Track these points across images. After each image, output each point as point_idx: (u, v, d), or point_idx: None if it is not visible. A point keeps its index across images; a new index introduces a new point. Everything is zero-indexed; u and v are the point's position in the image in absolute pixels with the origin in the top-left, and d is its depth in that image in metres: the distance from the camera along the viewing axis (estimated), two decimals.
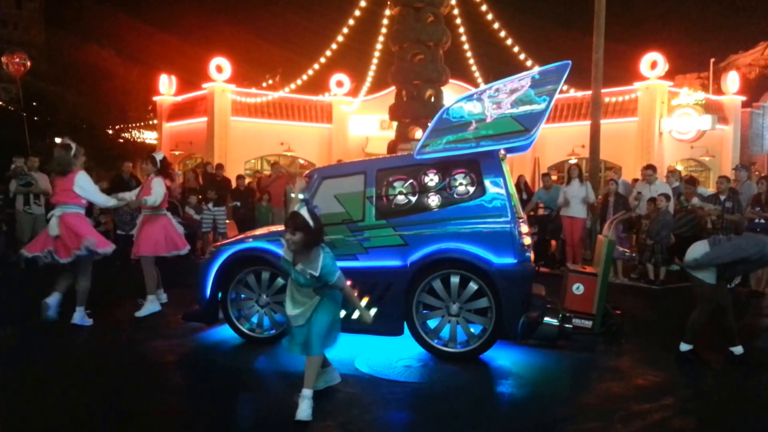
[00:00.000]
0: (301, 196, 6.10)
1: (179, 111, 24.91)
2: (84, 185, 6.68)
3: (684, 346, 5.66)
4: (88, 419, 4.27)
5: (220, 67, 22.17)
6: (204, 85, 22.84)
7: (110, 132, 27.66)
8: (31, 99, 23.30)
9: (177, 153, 25.11)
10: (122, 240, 11.15)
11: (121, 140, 28.24)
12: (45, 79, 23.60)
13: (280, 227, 6.44)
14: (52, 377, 5.07)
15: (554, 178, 14.44)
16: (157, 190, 7.20)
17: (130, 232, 11.14)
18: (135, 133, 29.19)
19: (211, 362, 5.60)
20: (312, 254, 4.21)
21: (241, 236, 6.73)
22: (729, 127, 23.44)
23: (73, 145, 6.83)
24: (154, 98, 26.18)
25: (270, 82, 27.36)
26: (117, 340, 6.19)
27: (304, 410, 4.16)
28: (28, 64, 14.88)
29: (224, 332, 6.26)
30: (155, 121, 27.04)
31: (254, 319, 6.13)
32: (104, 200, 7.06)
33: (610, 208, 10.25)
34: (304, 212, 4.17)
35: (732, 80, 23.83)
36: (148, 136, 29.59)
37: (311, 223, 4.16)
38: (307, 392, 4.24)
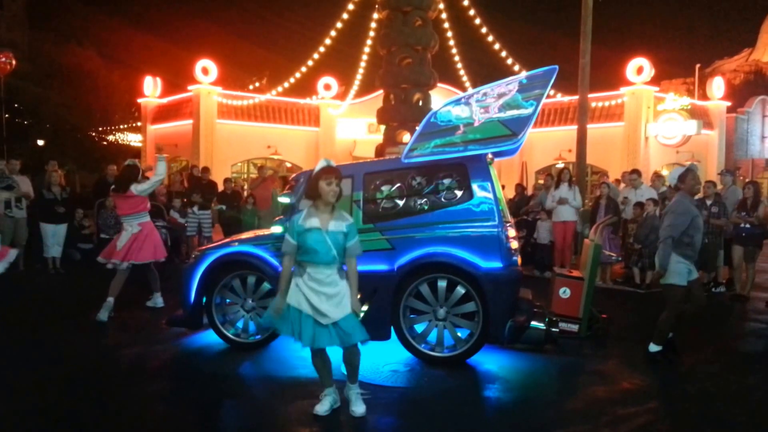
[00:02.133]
0: (287, 200, 6.08)
1: (164, 113, 24.75)
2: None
3: (653, 347, 5.73)
4: (69, 425, 4.19)
5: (206, 69, 22.05)
6: (190, 87, 22.71)
7: (94, 134, 27.38)
8: (12, 100, 23.04)
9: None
10: (105, 243, 11.01)
11: (105, 143, 27.97)
12: (28, 80, 23.33)
13: (267, 231, 6.41)
14: (32, 382, 4.97)
15: (541, 181, 14.49)
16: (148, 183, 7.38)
17: (114, 235, 11.06)
18: (119, 136, 28.93)
19: (195, 368, 5.53)
20: (335, 211, 4.23)
21: (227, 240, 6.67)
22: (714, 132, 23.69)
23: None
24: (139, 100, 25.99)
25: (257, 84, 27.31)
26: (100, 346, 6.09)
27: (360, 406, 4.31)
28: (14, 63, 14.72)
29: (209, 337, 6.18)
30: (139, 124, 26.84)
31: (239, 324, 6.06)
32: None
33: (601, 211, 10.27)
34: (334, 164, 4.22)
35: (717, 86, 24.11)
36: (133, 139, 29.35)
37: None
38: (354, 387, 4.36)
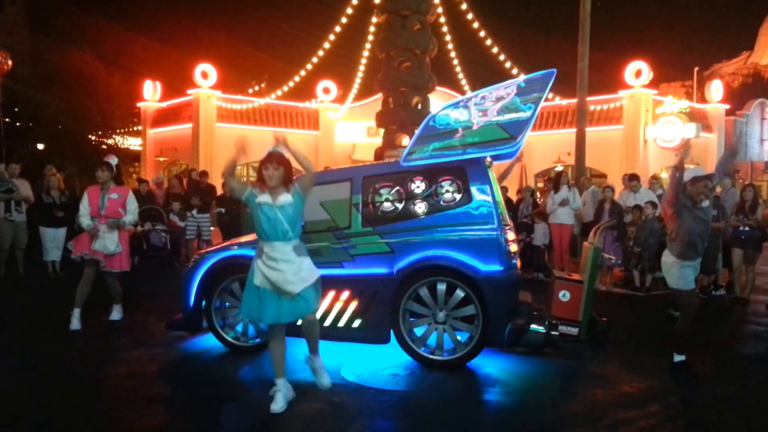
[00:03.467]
0: None
1: (164, 117, 24.78)
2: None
3: (677, 357, 5.53)
4: (67, 429, 4.18)
5: (205, 73, 22.09)
6: (189, 91, 22.74)
7: (93, 138, 27.38)
8: (12, 104, 23.05)
9: (162, 159, 24.94)
10: None
11: (105, 147, 27.97)
12: (27, 83, 23.34)
13: None
14: (32, 386, 4.97)
15: (540, 185, 14.50)
16: (133, 206, 7.14)
17: None
18: (118, 140, 28.94)
19: (194, 372, 5.52)
20: (283, 190, 4.38)
21: (226, 243, 6.67)
22: (713, 135, 23.72)
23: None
24: (139, 104, 26.01)
25: (256, 88, 27.35)
26: (99, 349, 6.08)
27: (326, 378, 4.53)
28: (10, 63, 14.71)
29: (208, 341, 6.17)
30: (139, 128, 26.86)
31: (239, 328, 6.05)
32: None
33: (604, 215, 10.26)
34: (282, 150, 4.38)
35: (716, 89, 24.14)
36: (132, 143, 29.37)
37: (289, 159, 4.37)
38: (318, 359, 4.52)
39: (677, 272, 5.60)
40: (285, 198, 4.34)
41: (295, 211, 4.37)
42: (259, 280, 4.31)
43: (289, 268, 4.27)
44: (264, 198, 4.35)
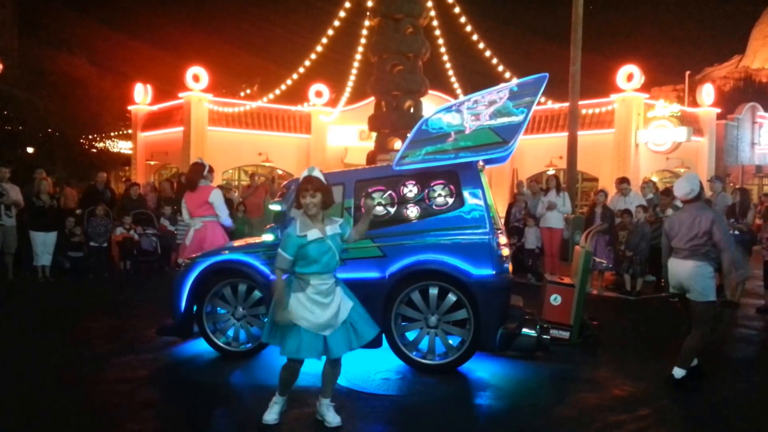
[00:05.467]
0: (278, 207, 6.06)
1: (155, 120, 24.67)
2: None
3: (678, 372, 5.23)
4: None
5: (197, 76, 22.00)
6: (180, 95, 22.64)
7: (83, 141, 27.21)
8: (1, 107, 22.89)
9: (152, 163, 24.83)
10: (95, 252, 10.97)
11: (95, 150, 27.81)
12: (17, 86, 23.15)
13: (258, 239, 6.39)
14: (20, 391, 4.92)
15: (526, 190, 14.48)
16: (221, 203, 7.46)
17: (103, 243, 11.01)
18: (109, 143, 28.78)
19: (185, 377, 5.49)
20: (325, 217, 4.19)
21: (217, 248, 6.63)
22: (704, 138, 23.85)
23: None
24: (129, 107, 25.90)
25: (248, 91, 27.23)
26: (89, 355, 6.04)
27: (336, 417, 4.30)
28: (0, 66, 14.63)
29: (199, 346, 6.14)
30: (130, 131, 26.73)
31: (230, 333, 6.03)
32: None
33: (596, 219, 10.29)
34: (317, 174, 4.15)
35: (707, 92, 24.27)
36: (123, 146, 29.22)
37: (326, 182, 4.17)
38: (327, 401, 4.33)
39: (707, 282, 5.25)
40: (333, 230, 4.15)
41: (340, 241, 4.20)
42: (296, 316, 4.03)
43: (331, 304, 4.09)
44: (314, 234, 4.06)
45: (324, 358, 4.16)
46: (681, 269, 5.33)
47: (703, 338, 5.26)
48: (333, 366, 4.25)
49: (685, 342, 5.29)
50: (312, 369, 4.74)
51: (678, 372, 5.21)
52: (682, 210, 5.54)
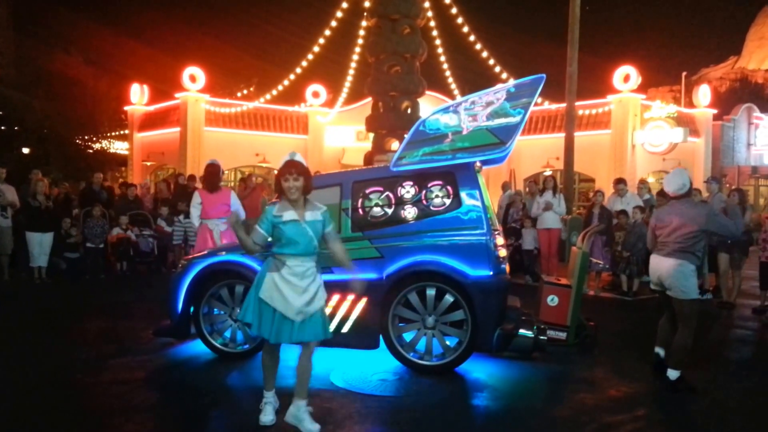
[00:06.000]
0: None
1: (151, 121, 24.61)
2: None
3: (673, 374, 5.19)
4: None
5: (193, 76, 21.96)
6: (177, 95, 22.60)
7: (79, 142, 27.15)
8: None
9: (149, 164, 24.79)
10: (91, 253, 10.94)
11: (91, 150, 27.77)
12: (13, 87, 23.11)
13: None
14: (15, 392, 4.91)
15: (522, 189, 14.52)
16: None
17: (100, 245, 10.99)
18: (105, 144, 28.73)
19: (182, 378, 5.48)
20: (307, 202, 4.20)
21: (214, 249, 6.62)
22: (700, 139, 23.90)
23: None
24: (126, 108, 25.84)
25: (245, 92, 27.23)
26: (85, 356, 6.02)
27: (314, 425, 4.16)
28: None
29: (196, 347, 6.13)
30: (126, 131, 26.68)
31: (227, 334, 6.02)
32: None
33: (594, 219, 10.29)
34: (299, 158, 4.18)
35: (703, 93, 24.32)
36: (119, 147, 29.18)
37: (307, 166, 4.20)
38: (303, 405, 4.21)
39: (691, 281, 5.29)
40: (313, 215, 4.15)
41: (320, 228, 4.19)
42: (268, 296, 4.07)
43: (307, 290, 4.08)
44: (290, 215, 4.09)
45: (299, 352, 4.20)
46: (661, 266, 5.34)
47: (690, 335, 5.24)
48: (308, 359, 4.20)
49: (674, 342, 5.29)
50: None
51: (672, 373, 5.20)
52: (671, 205, 5.52)
